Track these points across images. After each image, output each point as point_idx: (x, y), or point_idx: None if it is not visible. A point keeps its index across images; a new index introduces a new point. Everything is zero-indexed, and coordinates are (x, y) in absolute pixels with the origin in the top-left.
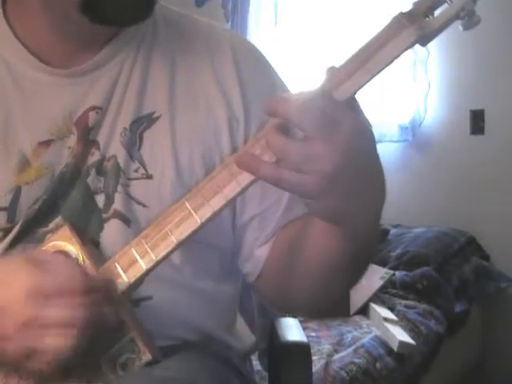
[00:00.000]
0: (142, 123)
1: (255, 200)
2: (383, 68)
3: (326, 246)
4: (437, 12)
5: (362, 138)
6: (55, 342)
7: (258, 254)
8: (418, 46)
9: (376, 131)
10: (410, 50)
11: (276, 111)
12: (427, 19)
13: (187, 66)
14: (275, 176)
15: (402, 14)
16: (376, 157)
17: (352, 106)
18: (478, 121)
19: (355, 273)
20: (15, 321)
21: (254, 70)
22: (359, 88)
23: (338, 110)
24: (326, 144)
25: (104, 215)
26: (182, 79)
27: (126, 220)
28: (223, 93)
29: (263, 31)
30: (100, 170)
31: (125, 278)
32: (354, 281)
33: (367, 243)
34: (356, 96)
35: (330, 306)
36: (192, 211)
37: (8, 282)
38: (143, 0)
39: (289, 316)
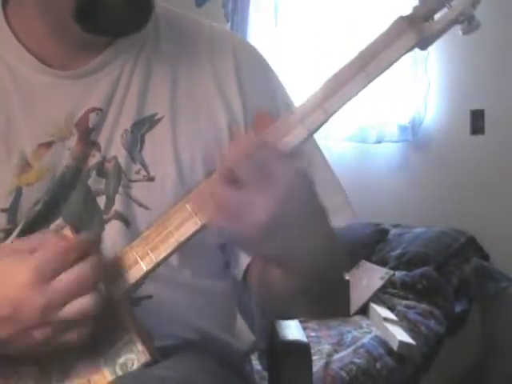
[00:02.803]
0: (143, 125)
1: None
2: (384, 71)
3: (278, 280)
4: (437, 16)
5: (298, 188)
6: (80, 306)
7: (241, 259)
8: None
9: (376, 131)
10: None
11: (225, 159)
12: (427, 23)
13: (189, 68)
14: (217, 224)
15: (401, 17)
16: (313, 202)
17: (294, 155)
18: (477, 121)
19: (316, 302)
20: (30, 311)
21: (255, 73)
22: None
23: (277, 161)
24: (261, 194)
25: (105, 216)
26: (183, 82)
27: (127, 221)
28: (224, 96)
29: (263, 31)
30: (101, 171)
31: (125, 279)
32: (319, 308)
33: (318, 277)
34: (298, 148)
35: (310, 318)
36: (192, 213)
37: (4, 280)
38: (137, 12)
39: None
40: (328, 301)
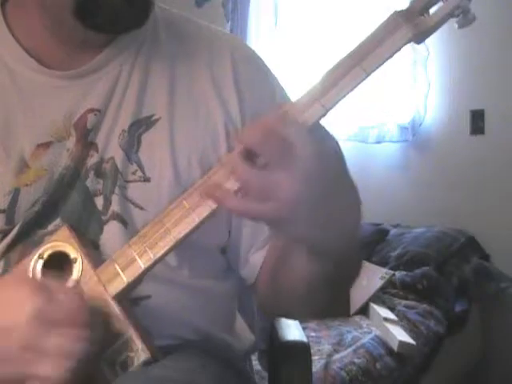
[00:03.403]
0: (140, 126)
1: None
2: (379, 66)
3: (301, 267)
4: (432, 10)
5: (323, 163)
6: (48, 371)
7: (252, 260)
8: (418, 46)
9: (376, 131)
10: (409, 50)
11: (241, 138)
12: (422, 17)
13: (187, 70)
14: (239, 208)
15: (397, 12)
16: (343, 178)
17: (316, 129)
18: (477, 121)
19: (335, 292)
20: (16, 343)
21: (253, 75)
22: (327, 111)
23: (299, 136)
24: (285, 172)
25: (103, 217)
26: (181, 83)
27: (124, 222)
28: (221, 98)
29: (263, 31)
30: (99, 172)
31: (123, 277)
32: (336, 300)
33: (344, 262)
34: (320, 121)
35: (315, 318)
36: (190, 210)
37: (14, 304)
38: (137, 8)
39: None
40: (342, 290)
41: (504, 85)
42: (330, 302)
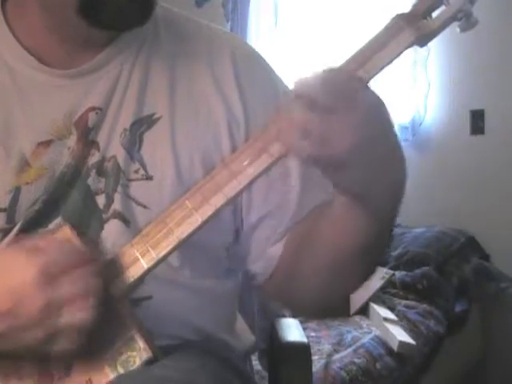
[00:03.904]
0: (142, 124)
1: (261, 201)
2: (382, 69)
3: (349, 228)
4: (435, 14)
5: (381, 111)
6: (77, 316)
7: (271, 252)
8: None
9: None
10: (410, 50)
11: (300, 88)
12: (425, 21)
13: (187, 68)
14: (306, 152)
15: (400, 15)
16: (393, 132)
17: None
18: (477, 121)
19: (370, 261)
20: (29, 310)
21: (254, 72)
22: (381, 69)
23: (359, 85)
24: (347, 116)
25: (104, 216)
26: (182, 81)
27: (126, 220)
28: (222, 96)
29: (263, 31)
30: (100, 170)
31: (125, 277)
32: (367, 272)
33: (388, 223)
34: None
35: (333, 305)
36: (193, 210)
37: (10, 275)
38: (141, 5)
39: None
40: (367, 271)
41: (504, 85)
42: (356, 280)
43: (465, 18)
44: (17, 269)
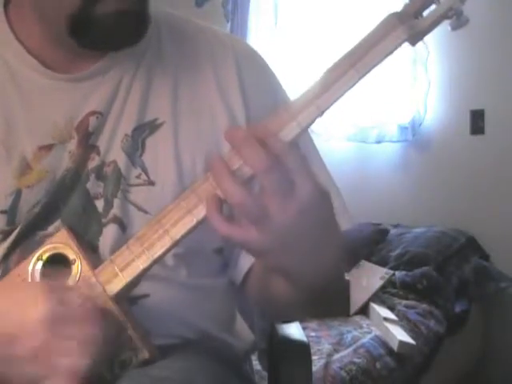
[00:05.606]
0: (144, 130)
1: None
2: (374, 66)
3: (279, 288)
4: (426, 13)
5: (318, 202)
6: (65, 370)
7: (240, 263)
8: (418, 46)
9: (376, 131)
10: (410, 50)
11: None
12: (416, 20)
13: (190, 73)
14: (226, 232)
15: (392, 14)
16: (331, 219)
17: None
18: (477, 121)
19: (314, 311)
20: (31, 344)
21: (257, 79)
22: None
23: (301, 171)
24: (281, 203)
25: (103, 220)
26: (184, 87)
27: (124, 225)
28: (225, 101)
29: (263, 31)
30: (100, 174)
31: (122, 278)
32: (318, 311)
33: (323, 291)
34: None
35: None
36: (188, 211)
37: (24, 308)
38: (131, 27)
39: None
40: (328, 303)
41: (504, 85)
42: (314, 310)
43: (455, 17)
44: (29, 302)
